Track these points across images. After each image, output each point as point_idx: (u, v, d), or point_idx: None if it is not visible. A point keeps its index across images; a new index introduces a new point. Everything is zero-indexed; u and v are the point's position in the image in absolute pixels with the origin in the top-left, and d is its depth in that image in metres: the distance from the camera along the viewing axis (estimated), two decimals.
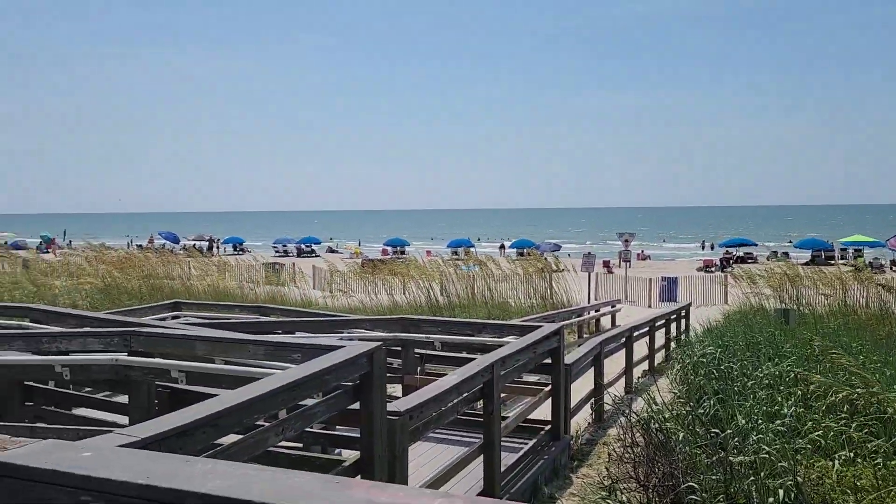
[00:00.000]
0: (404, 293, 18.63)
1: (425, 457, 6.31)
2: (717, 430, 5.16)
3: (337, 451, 5.58)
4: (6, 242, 54.49)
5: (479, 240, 68.30)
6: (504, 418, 6.00)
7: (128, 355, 4.82)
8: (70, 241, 57.33)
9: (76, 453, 1.47)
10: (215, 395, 4.90)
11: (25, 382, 5.54)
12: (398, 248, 51.73)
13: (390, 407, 4.29)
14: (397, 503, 1.20)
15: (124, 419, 5.66)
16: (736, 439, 5.04)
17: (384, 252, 50.30)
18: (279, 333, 8.15)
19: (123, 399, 5.75)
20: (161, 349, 4.76)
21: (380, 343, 4.21)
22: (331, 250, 57.90)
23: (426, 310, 15.44)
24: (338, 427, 5.15)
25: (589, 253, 23.47)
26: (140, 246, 48.82)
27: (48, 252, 39.63)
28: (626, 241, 25.21)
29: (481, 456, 5.54)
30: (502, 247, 53.33)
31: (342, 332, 8.20)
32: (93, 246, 27.03)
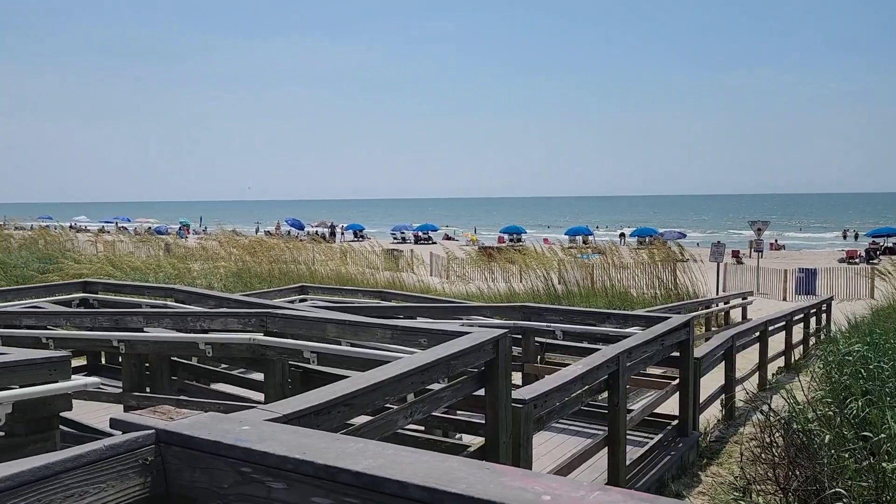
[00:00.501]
0: (520, 281, 18.53)
1: (544, 446, 6.25)
2: (867, 434, 4.77)
3: (458, 435, 5.63)
4: (150, 228, 58.87)
5: (597, 228, 66.94)
6: (629, 411, 5.83)
7: (264, 335, 5.06)
8: (206, 227, 61.12)
9: (236, 426, 1.53)
10: (344, 377, 5.07)
11: (172, 358, 5.96)
12: (514, 235, 51.59)
13: (515, 395, 4.27)
14: (553, 493, 1.16)
15: (258, 395, 5.97)
16: (888, 444, 4.64)
17: (500, 240, 50.30)
18: (401, 318, 8.32)
19: (257, 376, 6.07)
20: (294, 331, 4.95)
21: (505, 331, 4.18)
22: (447, 237, 58.57)
23: (544, 298, 15.29)
24: (458, 412, 5.19)
25: (718, 242, 22.40)
26: (268, 232, 51.36)
27: (185, 237, 42.44)
28: (759, 229, 23.80)
29: (605, 448, 5.42)
30: (622, 235, 51.97)
31: (461, 319, 8.26)
32: (225, 232, 28.69)
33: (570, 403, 4.95)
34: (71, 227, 55.84)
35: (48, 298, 7.95)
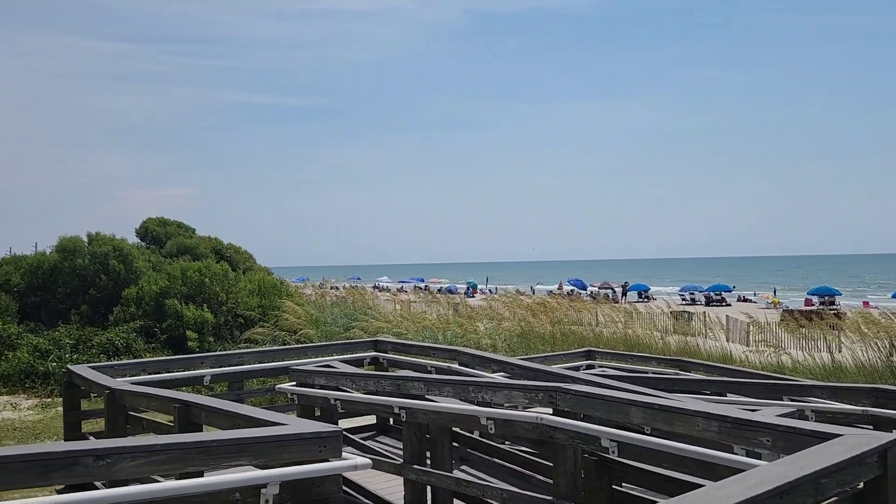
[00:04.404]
0: (839, 351, 15.60)
1: None
2: None
3: None
4: (440, 288, 62.70)
5: None
6: None
7: (553, 413, 4.31)
8: (494, 288, 63.36)
9: None
10: (651, 473, 4.09)
11: (453, 428, 5.49)
12: (826, 297, 45.25)
13: None
14: None
15: (545, 480, 5.20)
16: None
17: (808, 302, 44.44)
18: (706, 395, 7.05)
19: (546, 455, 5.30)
20: (588, 411, 4.13)
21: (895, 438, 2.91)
22: (743, 299, 53.57)
23: (886, 375, 12.52)
24: None
25: None
26: (550, 292, 51.51)
27: (473, 297, 44.14)
28: None
29: None
30: None
31: (783, 399, 6.73)
32: (509, 292, 29.02)
33: None
34: (374, 286, 61.75)
35: (342, 357, 8.12)
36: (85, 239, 21.30)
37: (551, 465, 4.58)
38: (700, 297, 52.86)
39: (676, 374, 9.38)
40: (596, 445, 3.97)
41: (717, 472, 3.44)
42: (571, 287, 58.04)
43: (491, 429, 4.60)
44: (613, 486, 4.34)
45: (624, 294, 55.88)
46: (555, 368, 7.27)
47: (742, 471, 2.86)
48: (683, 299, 51.68)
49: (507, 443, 5.85)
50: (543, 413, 4.36)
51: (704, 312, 26.83)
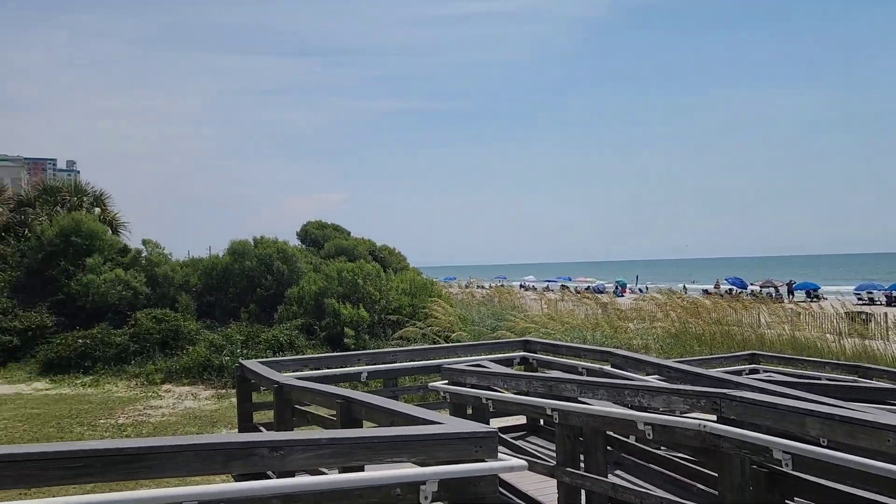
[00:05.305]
0: None
1: None
2: None
3: None
4: (588, 287, 61.52)
5: None
6: None
7: (717, 421, 4.08)
8: (646, 286, 61.27)
9: None
10: (830, 488, 3.76)
11: (607, 432, 5.34)
12: None
13: None
14: None
15: (708, 490, 4.94)
16: None
17: None
18: (891, 405, 6.43)
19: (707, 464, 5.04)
20: (757, 420, 3.86)
21: None
22: None
23: None
24: None
25: None
26: (705, 291, 49.08)
27: (622, 296, 42.93)
28: None
29: None
30: None
31: None
32: (662, 291, 27.92)
33: None
34: (521, 286, 61.72)
35: (491, 356, 8.16)
36: (251, 242, 22.95)
37: (715, 474, 4.34)
38: (880, 296, 48.17)
39: (855, 381, 8.60)
40: (766, 457, 3.72)
41: None
42: (730, 286, 54.93)
43: (649, 434, 4.43)
44: (786, 501, 4.06)
45: (790, 293, 52.13)
46: (715, 372, 6.90)
47: None
48: (860, 299, 47.27)
49: (662, 448, 5.62)
50: (705, 419, 4.15)
51: (885, 313, 24.39)
